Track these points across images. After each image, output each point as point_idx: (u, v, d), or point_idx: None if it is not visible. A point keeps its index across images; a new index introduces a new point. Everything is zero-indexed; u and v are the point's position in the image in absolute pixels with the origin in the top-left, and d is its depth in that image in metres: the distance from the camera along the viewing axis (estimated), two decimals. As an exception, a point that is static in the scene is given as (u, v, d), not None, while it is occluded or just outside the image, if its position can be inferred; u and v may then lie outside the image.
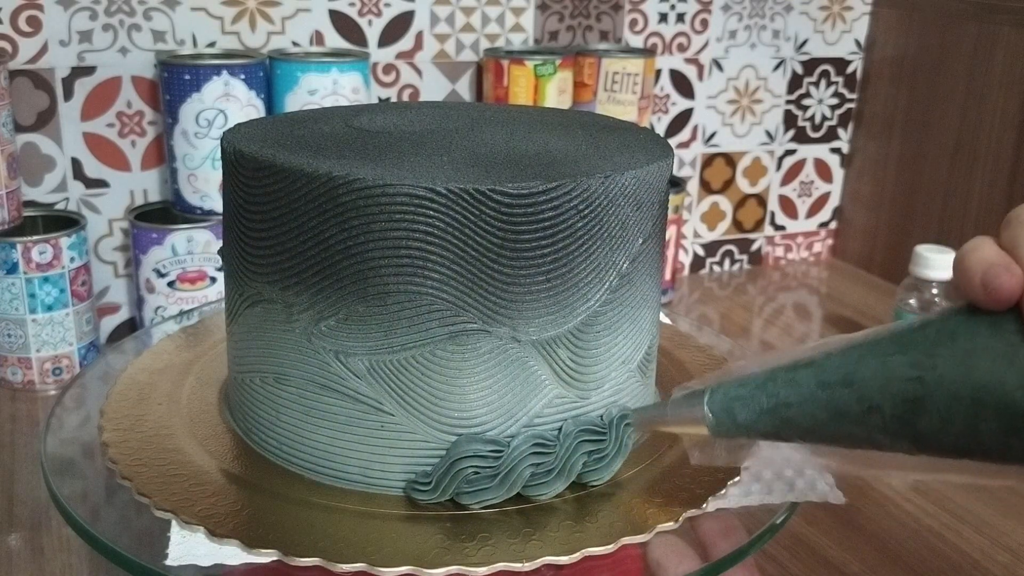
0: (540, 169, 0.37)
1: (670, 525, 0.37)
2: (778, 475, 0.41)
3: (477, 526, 0.36)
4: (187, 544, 0.35)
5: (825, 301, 1.01)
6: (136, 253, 0.76)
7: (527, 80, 0.82)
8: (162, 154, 0.80)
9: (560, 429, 0.39)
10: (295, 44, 0.82)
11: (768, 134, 1.04)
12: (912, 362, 0.31)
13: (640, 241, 0.40)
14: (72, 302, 0.73)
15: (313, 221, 0.36)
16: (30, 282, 0.71)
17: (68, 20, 0.75)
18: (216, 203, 0.76)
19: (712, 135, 1.01)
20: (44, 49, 0.75)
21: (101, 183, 0.79)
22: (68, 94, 0.76)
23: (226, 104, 0.74)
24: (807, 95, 1.05)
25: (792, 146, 1.06)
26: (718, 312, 0.96)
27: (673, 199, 0.90)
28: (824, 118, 1.06)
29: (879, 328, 0.33)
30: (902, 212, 1.02)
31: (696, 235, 1.05)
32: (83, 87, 0.76)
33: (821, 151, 1.08)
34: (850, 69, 1.05)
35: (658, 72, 0.96)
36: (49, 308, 0.72)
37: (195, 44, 0.79)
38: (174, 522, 0.36)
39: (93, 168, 0.79)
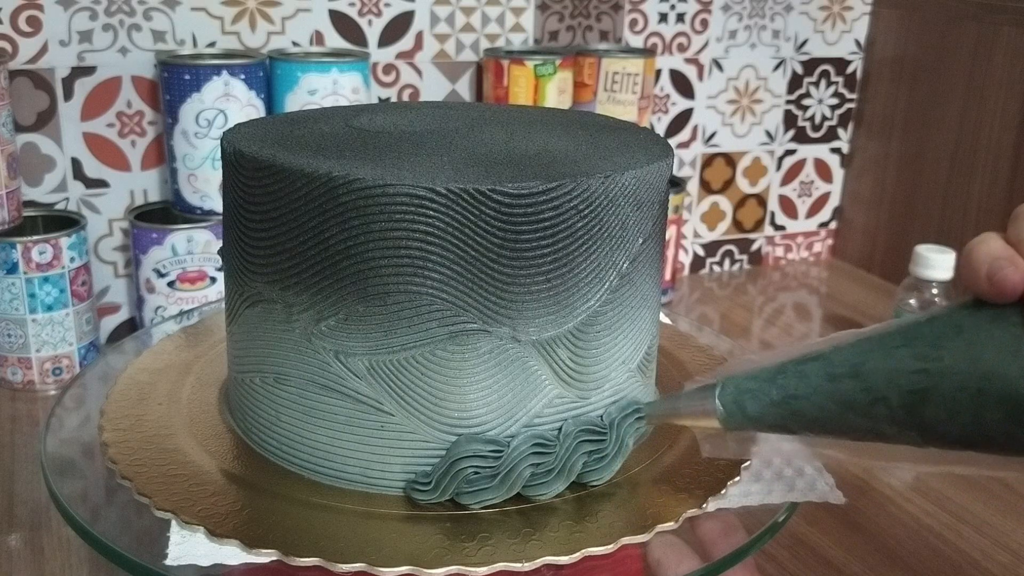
0: (540, 169, 0.37)
1: (670, 525, 0.37)
2: (778, 475, 0.41)
3: (477, 526, 0.36)
4: (187, 544, 0.35)
5: (825, 301, 1.01)
6: (136, 253, 0.76)
7: (527, 80, 0.82)
8: (162, 154, 0.80)
9: (560, 429, 0.39)
10: (295, 44, 0.82)
11: (768, 134, 1.04)
12: (918, 354, 0.31)
13: (640, 241, 0.40)
14: (72, 302, 0.73)
15: (313, 221, 0.36)
16: (30, 282, 0.71)
17: (68, 20, 0.75)
18: (216, 203, 0.76)
19: (712, 135, 1.01)
20: (44, 49, 0.75)
21: (101, 183, 0.79)
22: (68, 94, 0.76)
23: (226, 104, 0.74)
24: (807, 95, 1.05)
25: (792, 146, 1.06)
26: (718, 312, 0.96)
27: (673, 199, 0.90)
28: (824, 118, 1.06)
29: (887, 323, 0.34)
30: (902, 212, 1.02)
31: (696, 235, 1.05)
32: (83, 87, 0.76)
33: (821, 151, 1.08)
34: (850, 69, 1.05)
35: (658, 72, 0.96)
36: (49, 308, 0.72)
37: (195, 44, 0.79)
38: (174, 522, 0.36)
39: (93, 168, 0.79)
